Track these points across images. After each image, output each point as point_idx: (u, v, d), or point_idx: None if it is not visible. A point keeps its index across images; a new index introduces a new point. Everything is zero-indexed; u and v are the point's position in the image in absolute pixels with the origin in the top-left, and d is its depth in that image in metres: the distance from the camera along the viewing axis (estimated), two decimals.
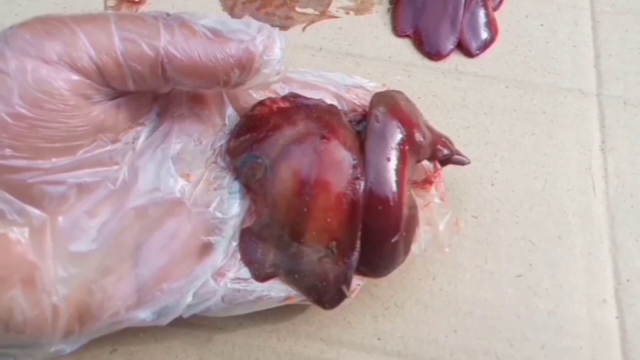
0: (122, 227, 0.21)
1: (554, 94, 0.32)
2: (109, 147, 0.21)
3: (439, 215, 0.24)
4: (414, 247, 0.24)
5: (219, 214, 0.23)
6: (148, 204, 0.21)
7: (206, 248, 0.22)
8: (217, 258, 0.22)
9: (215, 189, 0.23)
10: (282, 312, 0.26)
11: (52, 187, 0.20)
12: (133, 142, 0.22)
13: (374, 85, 0.26)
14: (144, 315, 0.21)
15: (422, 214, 0.24)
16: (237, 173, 0.23)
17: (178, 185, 0.22)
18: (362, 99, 0.25)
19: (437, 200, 0.25)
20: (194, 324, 0.26)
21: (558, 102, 0.32)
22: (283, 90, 0.25)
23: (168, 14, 0.20)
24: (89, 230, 0.20)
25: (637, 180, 0.30)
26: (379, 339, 0.26)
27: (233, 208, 0.23)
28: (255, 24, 0.21)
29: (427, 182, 0.25)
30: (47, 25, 0.19)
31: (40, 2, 0.34)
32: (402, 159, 0.22)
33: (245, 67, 0.20)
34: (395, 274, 0.25)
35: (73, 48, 0.19)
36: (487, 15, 0.34)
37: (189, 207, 0.22)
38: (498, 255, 0.28)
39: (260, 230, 0.23)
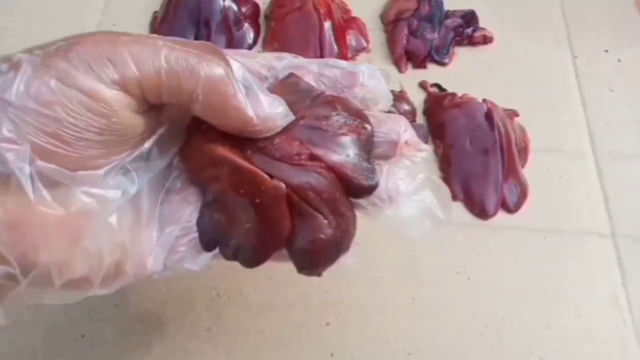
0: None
1: (580, 238, 0.41)
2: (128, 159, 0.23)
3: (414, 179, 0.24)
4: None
5: None
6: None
7: None
8: None
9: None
10: None
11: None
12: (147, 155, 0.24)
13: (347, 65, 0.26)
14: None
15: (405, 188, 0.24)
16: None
17: None
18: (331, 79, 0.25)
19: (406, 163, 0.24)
20: None
21: (584, 246, 0.40)
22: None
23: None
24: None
25: None
26: None
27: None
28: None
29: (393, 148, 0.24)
30: (105, 50, 0.20)
31: None
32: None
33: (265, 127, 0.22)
34: None
35: (125, 75, 0.20)
36: (519, 176, 0.42)
37: None
38: None
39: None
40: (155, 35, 0.22)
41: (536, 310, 0.38)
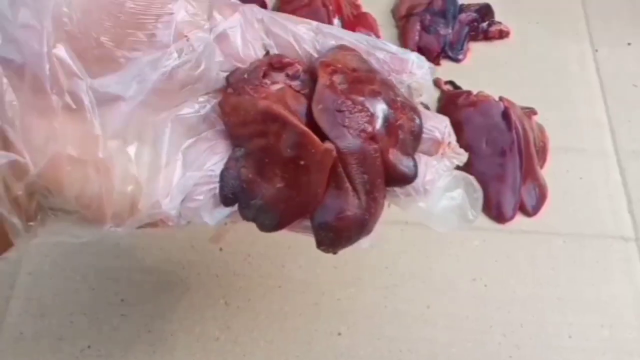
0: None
1: (602, 242, 0.39)
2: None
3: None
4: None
5: None
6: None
7: None
8: None
9: None
10: None
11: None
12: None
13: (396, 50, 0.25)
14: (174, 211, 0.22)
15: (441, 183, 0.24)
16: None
17: None
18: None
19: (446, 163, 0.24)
20: None
21: (606, 251, 0.39)
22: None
23: None
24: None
25: None
26: None
27: None
28: None
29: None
30: None
31: None
32: None
33: None
34: None
35: None
36: (537, 178, 0.40)
37: None
38: None
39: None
40: None
41: (556, 318, 0.36)
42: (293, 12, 0.45)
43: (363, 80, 0.23)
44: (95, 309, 0.35)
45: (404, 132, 0.23)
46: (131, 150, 0.21)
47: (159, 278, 0.36)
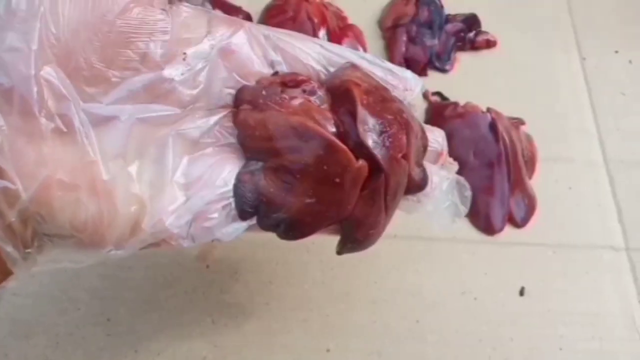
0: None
1: (591, 253, 0.39)
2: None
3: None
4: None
5: None
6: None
7: None
8: None
9: None
10: None
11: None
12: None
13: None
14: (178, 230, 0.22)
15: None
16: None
17: None
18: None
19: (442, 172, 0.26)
20: None
21: (596, 261, 0.38)
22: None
23: None
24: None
25: None
26: None
27: None
28: None
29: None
30: None
31: None
32: None
33: None
34: None
35: None
36: (526, 189, 0.40)
37: None
38: None
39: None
40: None
41: (546, 331, 0.36)
42: (278, 25, 0.45)
43: (387, 99, 0.23)
44: (81, 329, 0.35)
45: (417, 146, 0.24)
46: (132, 169, 0.21)
47: (145, 296, 0.36)
